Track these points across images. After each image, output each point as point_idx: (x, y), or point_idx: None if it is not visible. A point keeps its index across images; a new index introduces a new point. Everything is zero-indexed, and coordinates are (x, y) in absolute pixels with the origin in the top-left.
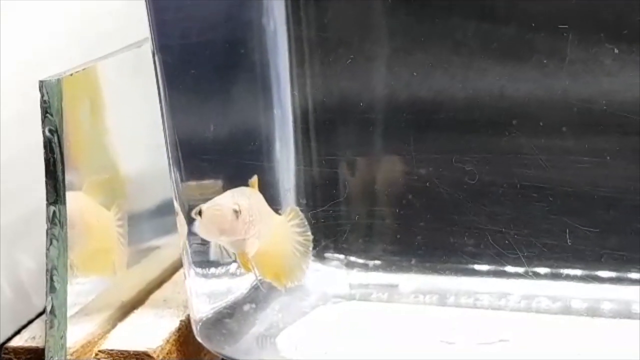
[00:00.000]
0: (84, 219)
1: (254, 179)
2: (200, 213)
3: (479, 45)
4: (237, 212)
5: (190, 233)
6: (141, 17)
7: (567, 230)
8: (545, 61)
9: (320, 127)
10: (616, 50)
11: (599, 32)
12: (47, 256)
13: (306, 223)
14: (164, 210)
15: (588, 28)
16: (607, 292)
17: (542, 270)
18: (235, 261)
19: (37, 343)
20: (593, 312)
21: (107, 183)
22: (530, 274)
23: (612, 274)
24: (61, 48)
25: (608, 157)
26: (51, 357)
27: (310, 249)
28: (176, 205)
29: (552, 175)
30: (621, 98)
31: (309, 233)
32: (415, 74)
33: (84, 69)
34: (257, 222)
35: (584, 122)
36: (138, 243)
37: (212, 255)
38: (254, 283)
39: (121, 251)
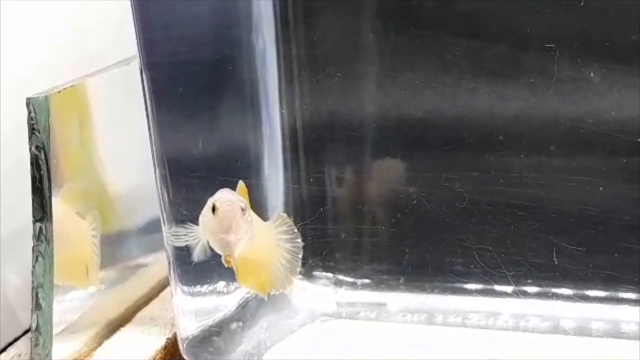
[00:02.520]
0: (61, 226)
1: (241, 184)
2: (214, 209)
3: (467, 64)
4: (244, 210)
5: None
6: (130, 34)
7: (555, 250)
8: (533, 80)
9: (308, 145)
10: (604, 70)
11: (588, 52)
12: (33, 273)
13: (295, 230)
14: (152, 227)
15: (576, 47)
16: (596, 311)
17: (530, 289)
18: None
19: None
20: (582, 331)
21: (83, 192)
22: (519, 293)
23: (601, 294)
24: (49, 65)
25: (596, 176)
26: None
27: (300, 256)
28: (163, 222)
29: (541, 194)
30: (609, 117)
31: (299, 240)
32: (403, 92)
33: (72, 86)
34: (251, 224)
35: (572, 141)
36: (126, 260)
37: (196, 257)
38: (242, 301)
39: (95, 261)
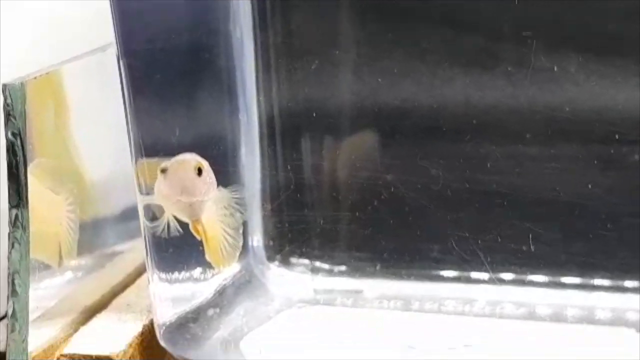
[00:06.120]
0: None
1: None
2: (165, 170)
3: (444, 52)
4: (200, 170)
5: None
6: (106, 21)
7: (531, 236)
8: (510, 69)
9: (285, 133)
10: (580, 59)
11: (564, 41)
12: (9, 259)
13: (235, 204)
14: (129, 214)
15: (553, 36)
16: (571, 298)
17: (506, 276)
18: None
19: None
20: (557, 317)
21: (56, 167)
22: (495, 279)
23: (576, 280)
24: (25, 52)
25: (572, 164)
26: None
27: (241, 232)
28: (140, 209)
29: (517, 182)
30: (584, 105)
31: (239, 215)
32: (380, 80)
33: (47, 73)
34: (214, 187)
35: (548, 129)
36: (102, 247)
37: (160, 230)
38: (219, 288)
39: (70, 238)
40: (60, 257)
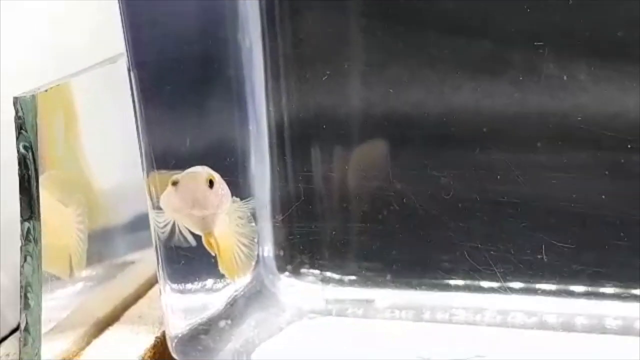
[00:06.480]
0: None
1: None
2: (175, 183)
3: (454, 60)
4: (212, 182)
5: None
6: (115, 32)
7: (542, 246)
8: (520, 76)
9: (296, 143)
10: (590, 66)
11: (574, 48)
12: (21, 273)
13: (249, 214)
14: (140, 225)
15: (563, 43)
16: (580, 307)
17: (517, 285)
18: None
19: None
20: (567, 327)
21: (66, 180)
22: (506, 289)
23: (586, 289)
24: (34, 63)
25: (582, 173)
26: None
27: (256, 240)
28: (151, 220)
29: (527, 191)
30: (596, 113)
31: (253, 224)
32: (391, 89)
33: (58, 85)
34: (227, 200)
35: (559, 138)
36: (113, 258)
37: (173, 241)
38: (230, 299)
39: (80, 249)
40: (71, 269)
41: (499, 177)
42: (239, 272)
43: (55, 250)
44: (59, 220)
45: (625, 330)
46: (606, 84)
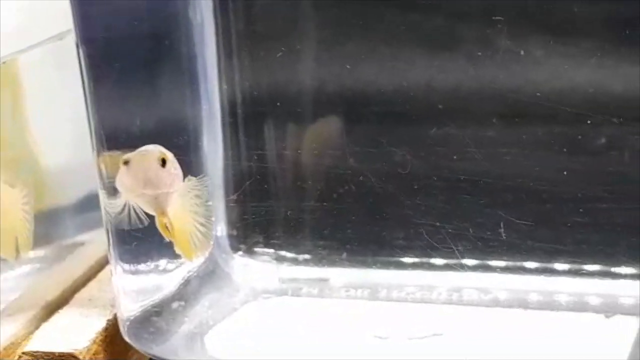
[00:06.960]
0: None
1: None
2: (127, 162)
3: (407, 36)
4: (164, 161)
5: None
6: (62, 8)
7: (501, 223)
8: (476, 52)
9: (249, 121)
10: (544, 41)
11: (530, 23)
12: None
13: (205, 194)
14: (90, 205)
15: (519, 18)
16: (534, 283)
17: (472, 262)
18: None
19: None
20: (521, 303)
21: (12, 159)
22: (462, 266)
23: (541, 265)
24: None
25: (538, 149)
26: None
27: (212, 219)
28: (101, 200)
29: (484, 167)
30: (551, 89)
31: (210, 203)
32: (344, 66)
33: (4, 62)
34: (179, 179)
35: (516, 114)
36: (62, 239)
37: (126, 224)
38: (183, 280)
39: (26, 230)
40: (17, 251)
41: (455, 154)
42: (197, 252)
43: (1, 232)
44: (5, 201)
45: (579, 307)
46: (563, 59)
